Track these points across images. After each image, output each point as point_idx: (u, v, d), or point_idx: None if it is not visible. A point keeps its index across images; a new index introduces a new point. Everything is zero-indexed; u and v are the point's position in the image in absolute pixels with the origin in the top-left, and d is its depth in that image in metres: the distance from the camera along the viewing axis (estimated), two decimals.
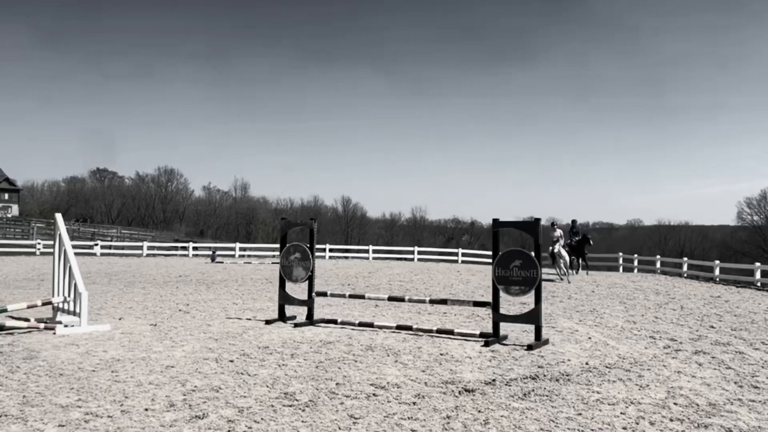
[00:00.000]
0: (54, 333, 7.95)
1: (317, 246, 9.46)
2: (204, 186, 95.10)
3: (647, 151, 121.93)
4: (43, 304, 8.87)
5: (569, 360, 6.75)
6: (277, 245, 31.80)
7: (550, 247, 18.99)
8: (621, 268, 26.88)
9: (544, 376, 5.96)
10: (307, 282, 9.29)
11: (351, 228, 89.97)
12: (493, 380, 5.75)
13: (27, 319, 8.68)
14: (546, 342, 7.70)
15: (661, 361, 6.82)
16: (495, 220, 8.13)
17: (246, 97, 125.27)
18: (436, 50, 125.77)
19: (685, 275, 22.69)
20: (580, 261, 21.47)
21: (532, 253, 7.62)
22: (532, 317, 7.62)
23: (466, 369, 6.24)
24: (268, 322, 9.19)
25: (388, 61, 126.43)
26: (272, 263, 26.21)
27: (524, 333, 8.35)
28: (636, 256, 27.40)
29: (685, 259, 24.21)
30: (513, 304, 11.34)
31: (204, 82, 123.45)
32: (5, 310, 8.53)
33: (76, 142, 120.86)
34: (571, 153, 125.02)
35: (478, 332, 8.11)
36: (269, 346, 7.31)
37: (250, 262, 27.60)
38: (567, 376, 5.98)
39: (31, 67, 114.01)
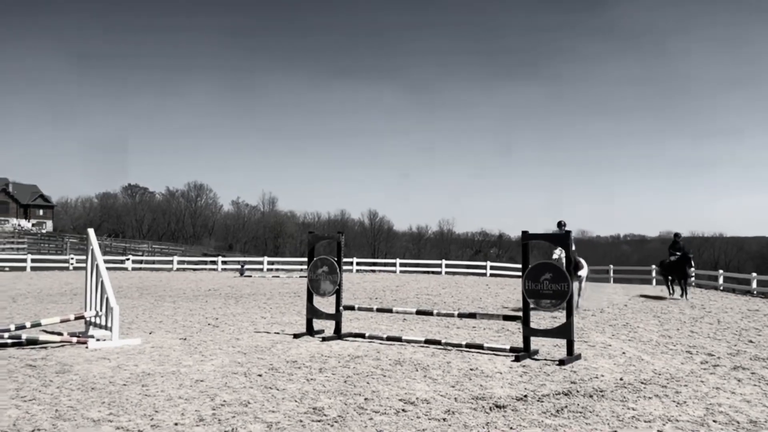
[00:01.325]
0: (86, 347, 8.04)
1: (344, 259, 9.45)
2: (233, 200, 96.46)
3: (678, 161, 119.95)
4: (76, 318, 9.01)
5: (603, 375, 6.59)
6: (305, 259, 31.94)
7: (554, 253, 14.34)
8: (654, 281, 26.34)
9: (578, 392, 5.83)
10: (334, 296, 9.27)
11: (378, 241, 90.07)
12: (525, 396, 5.64)
13: (60, 333, 8.81)
14: (578, 357, 7.54)
15: (698, 376, 6.62)
16: (524, 233, 8.02)
17: (273, 112, 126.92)
18: (460, 63, 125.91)
19: (721, 288, 22.12)
20: (681, 284, 16.96)
21: (563, 266, 7.49)
22: (564, 331, 7.47)
23: (497, 384, 6.13)
24: (296, 336, 9.19)
25: (412, 75, 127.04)
26: (300, 277, 26.31)
27: (556, 348, 8.19)
28: None
29: (721, 271, 23.60)
30: (543, 318, 11.17)
31: (232, 98, 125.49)
32: (39, 324, 8.68)
33: (101, 156, 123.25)
34: (600, 164, 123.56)
35: (508, 347, 7.99)
36: (297, 361, 7.29)
37: (278, 276, 27.74)
38: (601, 392, 5.84)
39: (63, 84, 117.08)
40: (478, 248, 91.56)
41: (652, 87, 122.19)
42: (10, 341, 8.00)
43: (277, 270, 34.01)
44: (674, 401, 5.52)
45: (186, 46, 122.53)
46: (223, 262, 35.23)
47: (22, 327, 8.42)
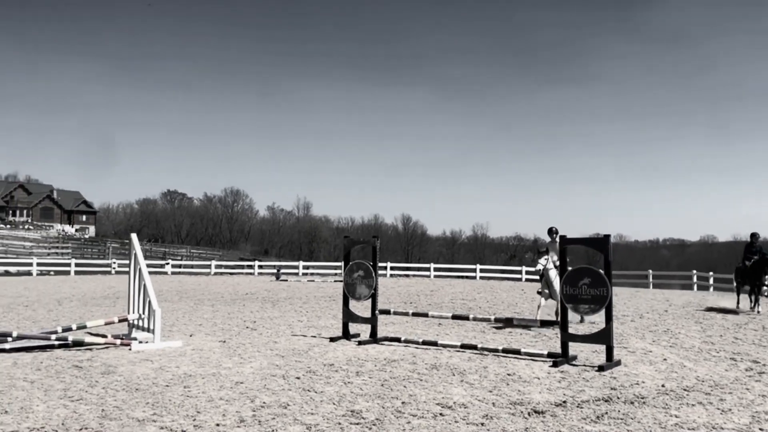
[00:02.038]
0: (129, 349, 8.25)
1: (379, 264, 9.49)
2: (268, 206, 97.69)
3: (720, 165, 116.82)
4: (120, 320, 9.25)
5: (644, 382, 6.47)
6: (339, 263, 32.29)
7: (539, 264, 11.30)
8: (695, 287, 25.69)
9: (618, 398, 5.74)
10: (370, 300, 9.31)
11: (411, 246, 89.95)
12: (564, 402, 5.58)
13: (104, 335, 9.06)
14: (618, 363, 7.42)
15: (743, 384, 6.45)
16: (562, 237, 7.94)
17: (308, 119, 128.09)
18: (494, 65, 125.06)
19: (767, 294, 21.44)
20: (754, 292, 14.32)
21: (602, 271, 7.39)
22: (603, 337, 7.36)
23: (535, 390, 6.08)
24: (332, 339, 9.26)
25: (445, 80, 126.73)
26: (335, 281, 26.46)
27: (594, 353, 8.07)
28: (711, 273, 26.13)
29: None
30: (581, 322, 11.01)
31: (267, 104, 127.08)
32: (85, 327, 8.94)
33: (139, 163, 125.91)
34: (638, 168, 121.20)
35: (545, 352, 7.91)
36: (334, 364, 7.35)
37: (313, 280, 27.96)
38: (642, 398, 5.74)
39: (103, 96, 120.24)
40: (513, 252, 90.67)
41: (698, 91, 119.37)
42: (57, 343, 8.26)
43: (312, 274, 34.27)
44: (719, 409, 5.39)
45: (223, 55, 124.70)
46: (260, 267, 35.67)
47: (69, 329, 8.69)
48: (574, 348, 8.07)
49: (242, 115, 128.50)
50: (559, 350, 7.82)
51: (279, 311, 13.86)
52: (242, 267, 38.19)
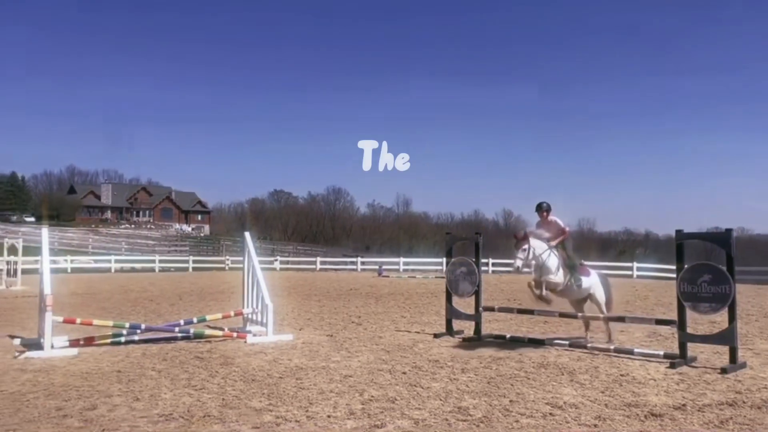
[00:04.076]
0: (245, 341, 8.71)
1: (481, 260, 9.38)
2: (368, 203, 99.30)
3: None
4: (236, 314, 9.79)
5: None
6: (440, 259, 32.29)
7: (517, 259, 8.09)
8: None
9: (744, 402, 5.36)
10: (473, 296, 9.26)
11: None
12: (683, 405, 5.29)
13: (221, 329, 9.61)
14: (743, 365, 6.92)
15: None
16: (678, 232, 7.50)
17: (406, 116, 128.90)
18: (598, 57, 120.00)
19: None
20: None
21: (724, 267, 6.92)
22: (726, 337, 6.90)
23: (651, 392, 5.81)
24: (436, 335, 9.30)
25: (546, 73, 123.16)
26: (436, 277, 26.49)
27: (715, 355, 7.57)
28: None
29: None
30: (699, 322, 10.36)
31: (365, 102, 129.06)
32: (204, 320, 9.53)
33: (251, 163, 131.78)
34: (760, 156, 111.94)
35: (661, 352, 7.52)
36: (439, 360, 7.38)
37: (414, 276, 28.16)
38: None
39: (210, 98, 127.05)
40: (623, 248, 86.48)
41: None
42: (180, 335, 8.87)
43: (413, 270, 34.49)
44: None
45: (325, 55, 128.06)
46: (362, 263, 36.38)
47: (190, 322, 9.31)
48: (693, 349, 7.61)
49: (343, 113, 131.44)
50: (676, 351, 7.41)
51: (382, 307, 14.09)
52: (345, 263, 39.12)
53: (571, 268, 8.21)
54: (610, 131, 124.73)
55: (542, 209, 8.51)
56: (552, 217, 8.47)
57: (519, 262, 7.89)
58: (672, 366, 6.93)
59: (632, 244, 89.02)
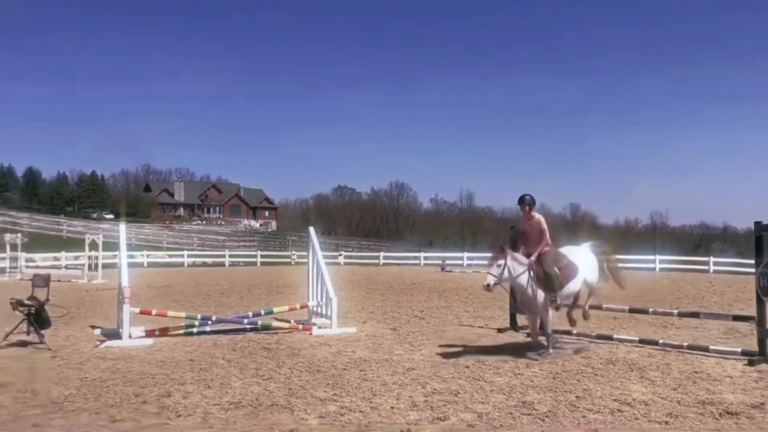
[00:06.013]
0: (310, 334, 8.89)
1: None
2: (431, 198, 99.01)
3: None
4: (302, 307, 10.00)
5: None
6: None
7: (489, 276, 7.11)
8: None
9: None
10: None
11: (580, 236, 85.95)
12: (762, 404, 5.04)
13: (288, 321, 9.84)
14: None
15: None
16: (757, 224, 7.12)
17: (469, 113, 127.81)
18: (654, 54, 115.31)
19: None
20: None
21: None
22: None
23: (727, 389, 5.56)
24: (500, 330, 9.21)
25: (605, 70, 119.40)
26: None
27: None
28: None
29: None
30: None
31: (426, 98, 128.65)
32: (271, 312, 9.80)
33: (313, 161, 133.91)
34: None
35: (739, 349, 7.19)
36: (503, 355, 7.30)
37: (477, 271, 27.89)
38: None
39: (275, 101, 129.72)
40: (698, 242, 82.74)
41: None
42: (248, 326, 9.14)
43: (476, 265, 34.19)
44: None
45: (383, 50, 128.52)
46: (425, 258, 36.36)
47: (258, 314, 9.59)
48: None
49: (404, 110, 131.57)
50: (755, 348, 7.05)
51: (445, 301, 14.05)
52: (408, 258, 39.20)
53: (551, 285, 7.25)
54: (695, 121, 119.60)
55: (525, 203, 7.63)
56: (535, 214, 7.61)
57: (491, 279, 6.94)
58: (750, 363, 6.61)
59: (709, 238, 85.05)
